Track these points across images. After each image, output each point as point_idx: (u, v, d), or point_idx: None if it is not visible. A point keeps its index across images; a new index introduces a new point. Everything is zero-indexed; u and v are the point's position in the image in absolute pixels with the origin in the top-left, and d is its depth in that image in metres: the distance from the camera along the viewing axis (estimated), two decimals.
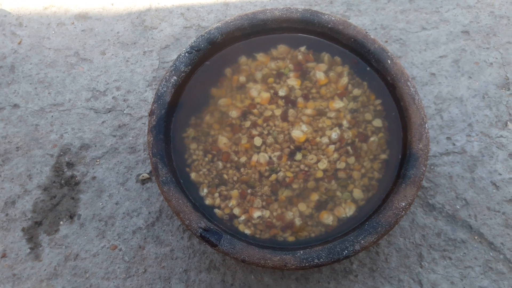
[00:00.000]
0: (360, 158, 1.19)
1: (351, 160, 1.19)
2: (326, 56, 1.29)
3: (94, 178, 1.44)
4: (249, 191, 1.17)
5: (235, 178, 1.18)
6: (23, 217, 1.39)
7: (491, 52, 1.59)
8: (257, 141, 1.21)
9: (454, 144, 1.45)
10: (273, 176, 1.18)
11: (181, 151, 1.21)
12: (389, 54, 1.22)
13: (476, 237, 1.32)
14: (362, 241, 1.04)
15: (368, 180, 1.17)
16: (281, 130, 1.22)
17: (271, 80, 1.28)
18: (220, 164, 1.20)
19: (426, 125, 1.14)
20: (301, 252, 1.04)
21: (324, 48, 1.31)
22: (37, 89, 1.59)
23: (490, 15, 1.66)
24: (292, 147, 1.21)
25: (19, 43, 1.68)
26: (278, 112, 1.24)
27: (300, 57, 1.30)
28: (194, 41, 1.26)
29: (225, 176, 1.18)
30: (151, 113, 1.18)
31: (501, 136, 1.45)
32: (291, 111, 1.24)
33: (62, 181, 1.44)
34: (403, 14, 1.68)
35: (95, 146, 1.49)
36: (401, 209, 1.06)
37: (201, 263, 1.31)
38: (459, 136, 1.46)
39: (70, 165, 1.46)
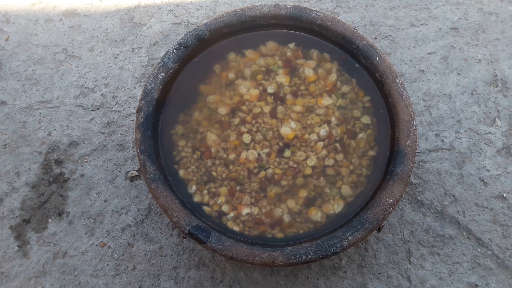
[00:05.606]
0: (348, 155, 1.19)
1: (340, 157, 1.19)
2: (315, 53, 1.29)
3: (82, 175, 1.43)
4: (237, 188, 1.17)
5: (223, 175, 1.18)
6: (11, 214, 1.38)
7: (479, 48, 1.60)
8: (246, 138, 1.21)
9: (442, 141, 1.46)
10: (262, 173, 1.18)
11: (170, 148, 1.21)
12: (377, 51, 1.22)
13: (464, 233, 1.33)
14: (350, 238, 1.04)
15: (356, 177, 1.17)
16: (270, 127, 1.22)
17: (260, 77, 1.27)
18: (209, 161, 1.19)
19: (414, 122, 1.15)
20: (290, 248, 1.04)
21: (313, 45, 1.30)
22: (25, 86, 1.57)
23: (479, 11, 1.67)
24: (281, 144, 1.21)
25: (7, 40, 1.66)
26: (267, 109, 1.24)
27: (289, 53, 1.29)
28: (182, 38, 1.25)
29: (214, 173, 1.18)
30: (138, 110, 1.17)
31: (489, 132, 1.46)
32: (280, 108, 1.24)
33: (51, 179, 1.43)
34: (392, 10, 1.68)
35: (84, 143, 1.48)
36: (388, 206, 1.07)
37: (190, 260, 1.31)
38: (448, 133, 1.46)
39: (58, 162, 1.45)
